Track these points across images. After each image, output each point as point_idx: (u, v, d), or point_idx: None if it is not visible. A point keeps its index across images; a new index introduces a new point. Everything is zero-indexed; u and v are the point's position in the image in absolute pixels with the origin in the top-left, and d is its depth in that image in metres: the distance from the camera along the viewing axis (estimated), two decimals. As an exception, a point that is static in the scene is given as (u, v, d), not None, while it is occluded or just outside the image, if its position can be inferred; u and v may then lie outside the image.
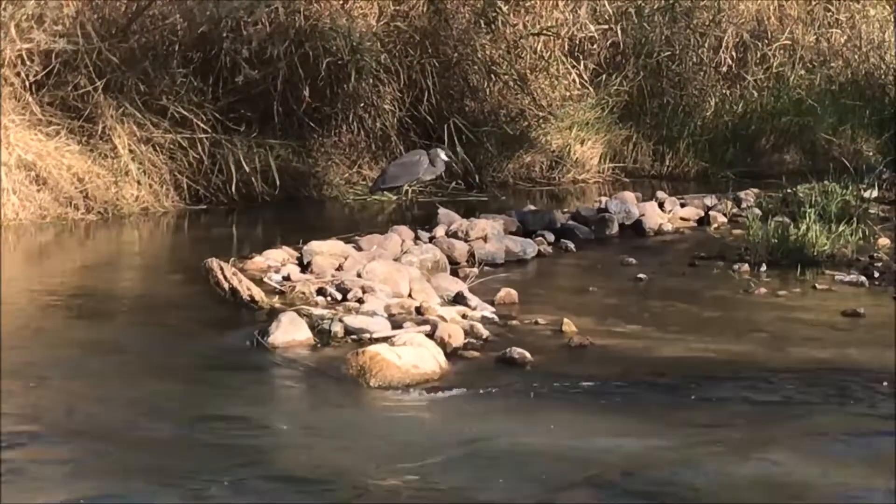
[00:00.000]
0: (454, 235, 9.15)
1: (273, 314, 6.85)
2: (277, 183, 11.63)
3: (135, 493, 4.58)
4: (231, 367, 6.29)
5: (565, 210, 10.72)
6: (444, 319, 6.80)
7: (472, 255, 8.94)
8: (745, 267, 8.79)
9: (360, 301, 7.23)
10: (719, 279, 8.60)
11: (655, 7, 14.75)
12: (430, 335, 6.47)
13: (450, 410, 5.68)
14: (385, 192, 11.11)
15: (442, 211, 9.79)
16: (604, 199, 10.94)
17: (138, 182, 11.08)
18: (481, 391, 5.84)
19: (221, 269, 7.42)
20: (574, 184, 13.57)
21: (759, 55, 15.27)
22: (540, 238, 9.68)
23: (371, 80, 12.33)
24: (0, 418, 5.27)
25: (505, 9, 13.55)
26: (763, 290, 8.16)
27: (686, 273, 8.86)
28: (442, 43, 12.98)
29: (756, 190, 11.64)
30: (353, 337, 6.56)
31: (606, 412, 5.63)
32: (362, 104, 12.39)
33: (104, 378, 6.11)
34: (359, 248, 8.54)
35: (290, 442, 5.31)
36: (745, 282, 8.39)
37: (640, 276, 8.60)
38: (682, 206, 11.01)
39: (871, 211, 10.60)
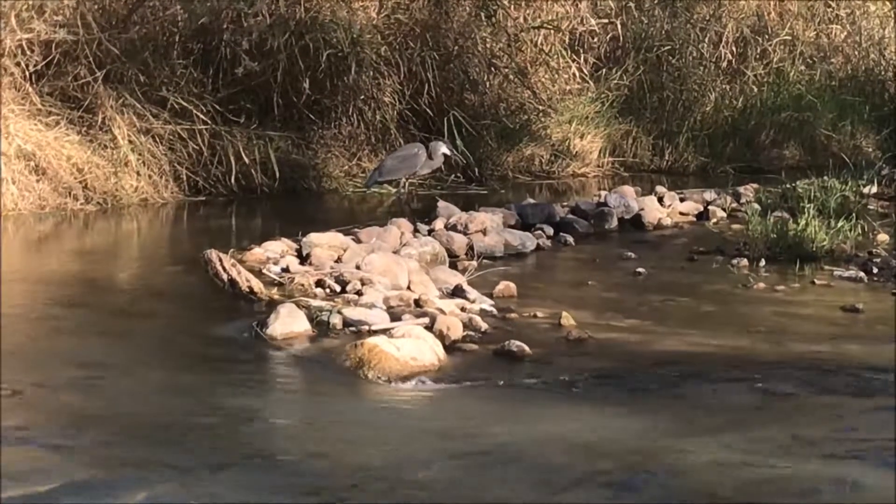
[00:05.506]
0: (453, 228, 9.15)
1: (272, 305, 6.84)
2: (277, 175, 11.62)
3: (131, 481, 4.58)
4: (229, 358, 6.30)
5: (564, 204, 10.71)
6: (442, 312, 6.80)
7: (471, 248, 8.93)
8: (744, 262, 8.80)
9: (359, 293, 7.23)
10: (718, 274, 8.61)
11: (656, 1, 14.75)
12: (429, 327, 6.46)
13: (448, 403, 5.69)
14: (384, 185, 11.06)
15: (441, 204, 9.78)
16: (603, 193, 10.92)
17: (138, 173, 11.07)
18: (479, 384, 5.85)
19: (220, 260, 7.41)
20: (573, 177, 13.57)
21: (759, 50, 15.27)
22: (539, 231, 9.68)
23: (371, 73, 12.31)
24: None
25: (506, 2, 13.55)
26: (762, 285, 8.16)
27: (685, 267, 8.87)
28: (442, 36, 12.96)
29: (755, 185, 11.63)
30: (352, 329, 6.56)
31: (605, 406, 5.63)
32: (362, 96, 12.38)
33: (101, 368, 6.10)
34: (358, 241, 8.53)
35: (287, 433, 5.31)
36: (744, 277, 8.39)
37: (639, 270, 8.60)
38: (682, 200, 11.01)
39: (870, 207, 10.62)
